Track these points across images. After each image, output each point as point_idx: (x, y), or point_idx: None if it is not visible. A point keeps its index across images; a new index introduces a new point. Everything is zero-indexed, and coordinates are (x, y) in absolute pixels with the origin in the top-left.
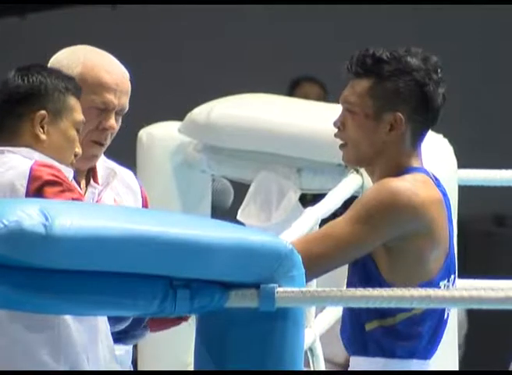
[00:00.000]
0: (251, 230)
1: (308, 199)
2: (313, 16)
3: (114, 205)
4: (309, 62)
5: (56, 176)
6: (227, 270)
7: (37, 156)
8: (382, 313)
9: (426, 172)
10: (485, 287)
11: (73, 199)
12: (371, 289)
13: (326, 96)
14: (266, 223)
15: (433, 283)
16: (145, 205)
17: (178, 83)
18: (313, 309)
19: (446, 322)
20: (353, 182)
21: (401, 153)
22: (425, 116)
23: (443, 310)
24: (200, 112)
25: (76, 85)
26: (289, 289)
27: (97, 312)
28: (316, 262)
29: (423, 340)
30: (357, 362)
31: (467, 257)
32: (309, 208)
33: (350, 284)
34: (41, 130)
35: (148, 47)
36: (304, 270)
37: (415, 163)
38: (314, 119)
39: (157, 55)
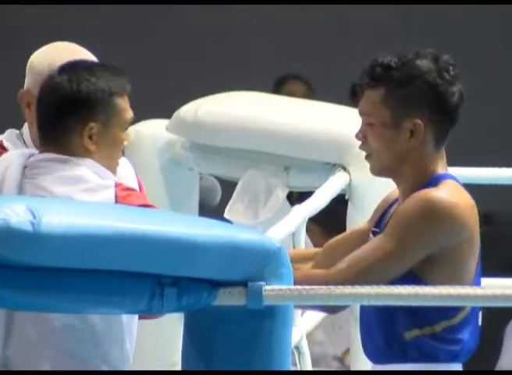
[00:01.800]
0: (239, 228)
1: (294, 197)
2: (299, 15)
3: (102, 203)
4: (294, 61)
5: (141, 197)
6: (215, 268)
7: (98, 167)
8: (420, 322)
9: (453, 177)
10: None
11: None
12: (358, 287)
13: (312, 94)
14: (253, 220)
15: None
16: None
17: (165, 82)
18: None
19: (480, 330)
20: (340, 180)
21: (425, 158)
22: (444, 117)
23: (478, 316)
24: (188, 110)
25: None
26: (277, 287)
27: (85, 309)
28: (364, 282)
29: (465, 346)
30: (396, 369)
31: None
32: (296, 206)
33: None
34: (90, 142)
35: (136, 45)
36: (292, 268)
37: (441, 168)
38: (301, 117)
39: (145, 54)
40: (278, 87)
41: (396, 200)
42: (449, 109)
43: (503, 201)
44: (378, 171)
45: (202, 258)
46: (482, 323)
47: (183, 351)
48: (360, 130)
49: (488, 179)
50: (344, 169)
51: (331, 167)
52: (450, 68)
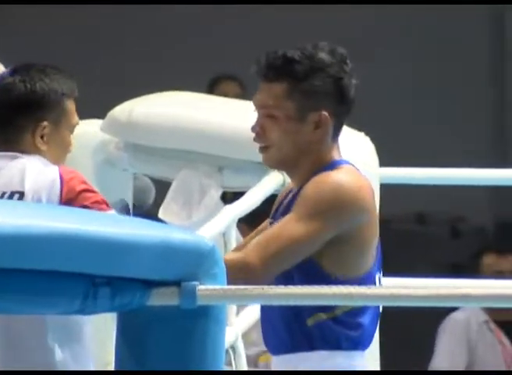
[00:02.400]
0: (173, 227)
1: (228, 197)
2: (232, 15)
3: (35, 203)
4: (228, 61)
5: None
6: (148, 268)
7: (45, 161)
8: (322, 307)
9: (349, 162)
10: (408, 285)
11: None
12: (292, 287)
13: (245, 94)
14: (187, 221)
15: (371, 276)
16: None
17: (98, 81)
18: (234, 307)
19: (379, 315)
20: (274, 180)
21: (325, 149)
22: (345, 109)
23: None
24: (122, 111)
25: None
26: (210, 287)
27: (17, 310)
28: (270, 263)
29: (365, 331)
30: (300, 358)
31: (389, 256)
32: (228, 206)
33: (287, 280)
34: (42, 141)
35: (68, 46)
36: (225, 268)
37: (337, 156)
38: (235, 117)
39: (77, 54)
40: (211, 87)
41: (291, 191)
42: (349, 101)
43: (436, 202)
44: (276, 163)
45: (135, 258)
46: (416, 322)
47: (116, 351)
48: (258, 123)
49: (421, 179)
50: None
51: (266, 167)
52: (347, 60)
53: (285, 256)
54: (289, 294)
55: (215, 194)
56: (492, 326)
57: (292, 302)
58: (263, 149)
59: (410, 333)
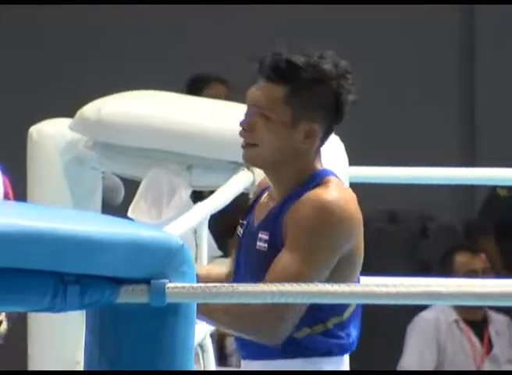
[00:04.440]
0: (142, 225)
1: (206, 196)
2: (210, 15)
3: (3, 201)
4: (210, 61)
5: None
6: (118, 266)
7: None
8: (310, 322)
9: (333, 173)
10: (381, 283)
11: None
12: (262, 284)
13: (231, 95)
14: (157, 220)
15: (358, 280)
16: (6, 189)
17: (67, 81)
18: None
19: (361, 319)
20: (243, 179)
21: (309, 158)
22: (335, 123)
23: (360, 310)
24: (91, 109)
25: None
26: (179, 284)
27: None
28: (288, 318)
29: (352, 338)
30: (288, 365)
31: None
32: (199, 204)
33: None
34: None
35: (39, 46)
36: (194, 267)
37: (319, 165)
38: (204, 116)
39: (47, 54)
40: (198, 88)
41: (264, 190)
42: (341, 117)
43: (407, 201)
44: (259, 162)
45: (104, 255)
46: (384, 321)
47: (85, 349)
48: (249, 119)
49: (392, 178)
50: (248, 168)
51: (236, 166)
52: (348, 76)
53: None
54: (259, 292)
55: (184, 193)
56: (462, 325)
57: (262, 300)
58: (248, 146)
59: (378, 332)
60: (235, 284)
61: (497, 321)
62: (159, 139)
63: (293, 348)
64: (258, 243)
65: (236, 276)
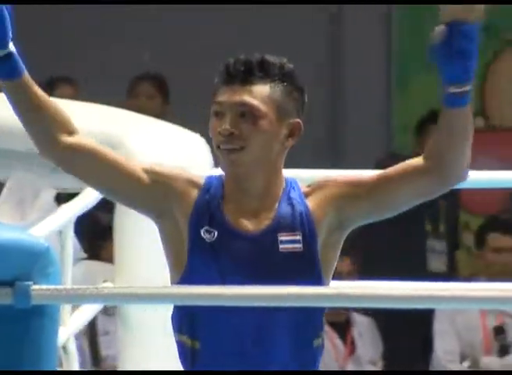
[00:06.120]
0: (6, 227)
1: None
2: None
3: None
4: (65, 61)
5: None
6: None
7: None
8: (322, 326)
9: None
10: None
11: None
12: (176, 286)
13: (79, 95)
14: (21, 222)
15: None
16: None
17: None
18: (68, 308)
19: None
20: None
21: (282, 160)
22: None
23: None
24: None
25: None
26: (44, 286)
27: None
28: None
29: None
30: None
31: None
32: (64, 205)
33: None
34: None
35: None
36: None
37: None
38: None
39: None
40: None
41: (207, 191)
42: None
43: None
44: (247, 165)
45: None
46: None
47: None
48: (233, 122)
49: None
50: None
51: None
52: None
53: None
54: (125, 294)
55: (49, 195)
56: (325, 327)
57: (174, 302)
58: (234, 151)
59: None
60: (99, 286)
61: (360, 322)
62: (22, 141)
63: (310, 359)
64: (282, 245)
65: (228, 282)
